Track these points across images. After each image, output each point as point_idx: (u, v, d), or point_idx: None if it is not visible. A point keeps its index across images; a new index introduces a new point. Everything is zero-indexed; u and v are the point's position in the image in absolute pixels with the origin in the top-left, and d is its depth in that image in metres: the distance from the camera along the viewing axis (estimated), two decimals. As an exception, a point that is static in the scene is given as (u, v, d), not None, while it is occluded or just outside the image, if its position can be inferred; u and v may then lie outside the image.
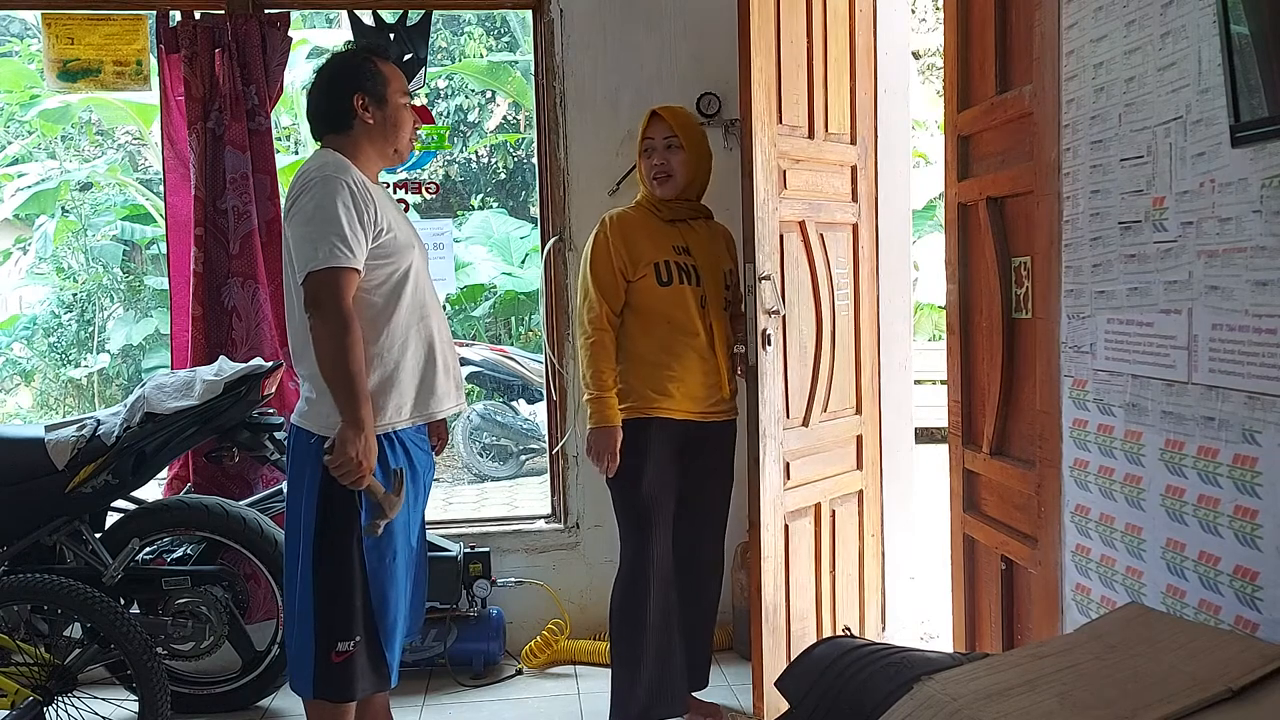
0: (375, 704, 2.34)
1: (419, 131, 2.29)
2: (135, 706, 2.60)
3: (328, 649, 2.12)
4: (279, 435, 2.97)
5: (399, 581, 2.19)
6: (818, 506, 2.94)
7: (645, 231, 2.64)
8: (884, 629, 3.27)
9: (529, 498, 6.29)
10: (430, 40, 3.36)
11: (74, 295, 8.88)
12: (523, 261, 8.89)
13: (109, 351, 8.81)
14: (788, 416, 2.80)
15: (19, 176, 8.56)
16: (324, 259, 2.02)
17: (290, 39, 3.24)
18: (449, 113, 9.46)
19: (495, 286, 8.80)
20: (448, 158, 9.69)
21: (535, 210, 5.07)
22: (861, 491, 3.15)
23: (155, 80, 3.30)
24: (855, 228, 3.10)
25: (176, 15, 3.17)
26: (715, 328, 2.62)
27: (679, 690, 2.71)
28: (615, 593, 2.66)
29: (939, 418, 2.99)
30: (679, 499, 2.67)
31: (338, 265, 2.02)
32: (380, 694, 2.32)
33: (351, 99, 2.18)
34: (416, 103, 3.41)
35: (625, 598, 2.64)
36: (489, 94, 9.62)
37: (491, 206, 9.77)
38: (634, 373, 2.62)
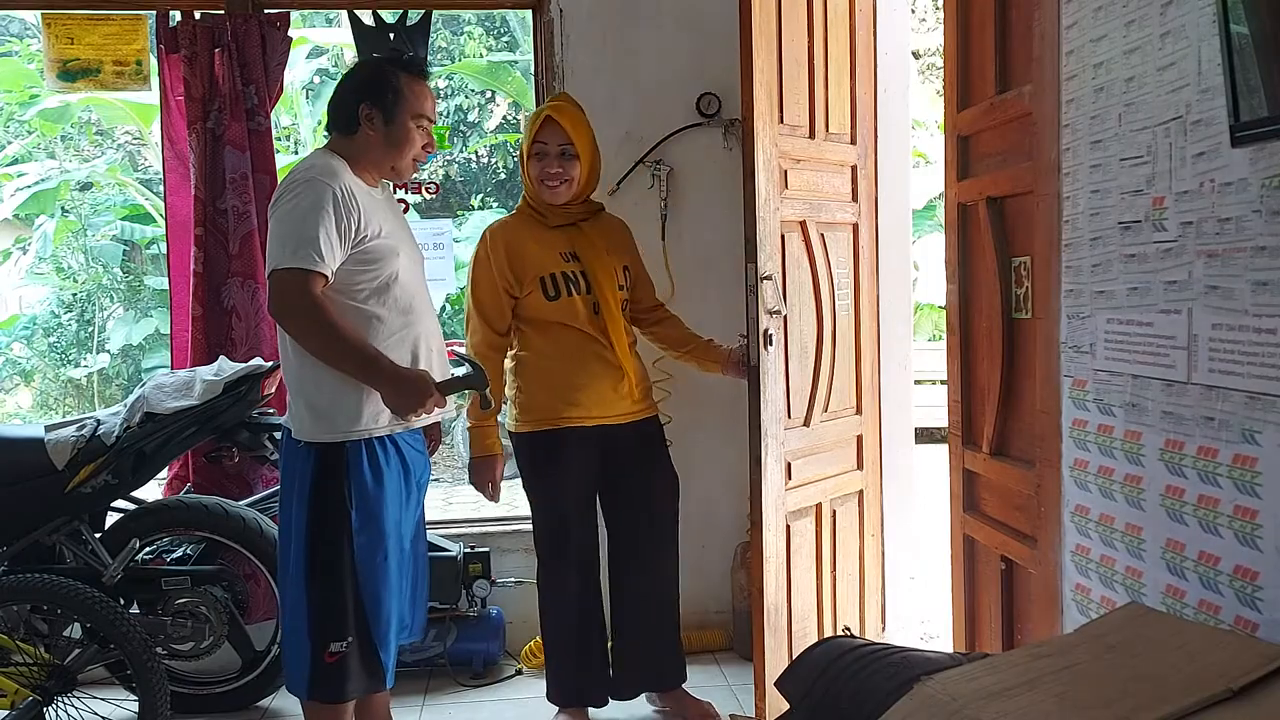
0: (375, 704, 2.34)
1: (426, 157, 2.28)
2: (135, 706, 2.60)
3: (321, 650, 2.14)
4: (279, 435, 2.97)
5: (391, 582, 2.20)
6: (819, 506, 2.94)
7: (530, 242, 2.58)
8: (884, 629, 3.27)
9: (529, 498, 6.27)
10: (430, 40, 3.36)
11: (74, 295, 8.88)
12: (523, 261, 8.87)
13: (109, 351, 8.81)
14: (789, 416, 2.80)
15: (19, 176, 8.56)
16: (289, 259, 2.04)
17: (290, 39, 3.24)
18: (449, 113, 9.45)
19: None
20: (448, 158, 9.68)
21: (535, 210, 5.05)
22: (862, 491, 3.15)
23: (155, 80, 3.30)
24: (855, 228, 3.10)
25: (176, 15, 3.17)
26: (611, 332, 2.58)
27: (603, 683, 2.75)
28: (538, 594, 2.73)
29: (939, 418, 2.99)
30: (611, 504, 2.70)
31: (303, 267, 2.04)
32: (380, 695, 2.32)
33: (357, 106, 2.19)
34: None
35: (544, 598, 2.72)
36: (489, 94, 9.62)
37: (491, 206, 9.76)
38: (539, 384, 2.60)
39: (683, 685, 2.83)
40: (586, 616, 2.69)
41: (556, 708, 2.75)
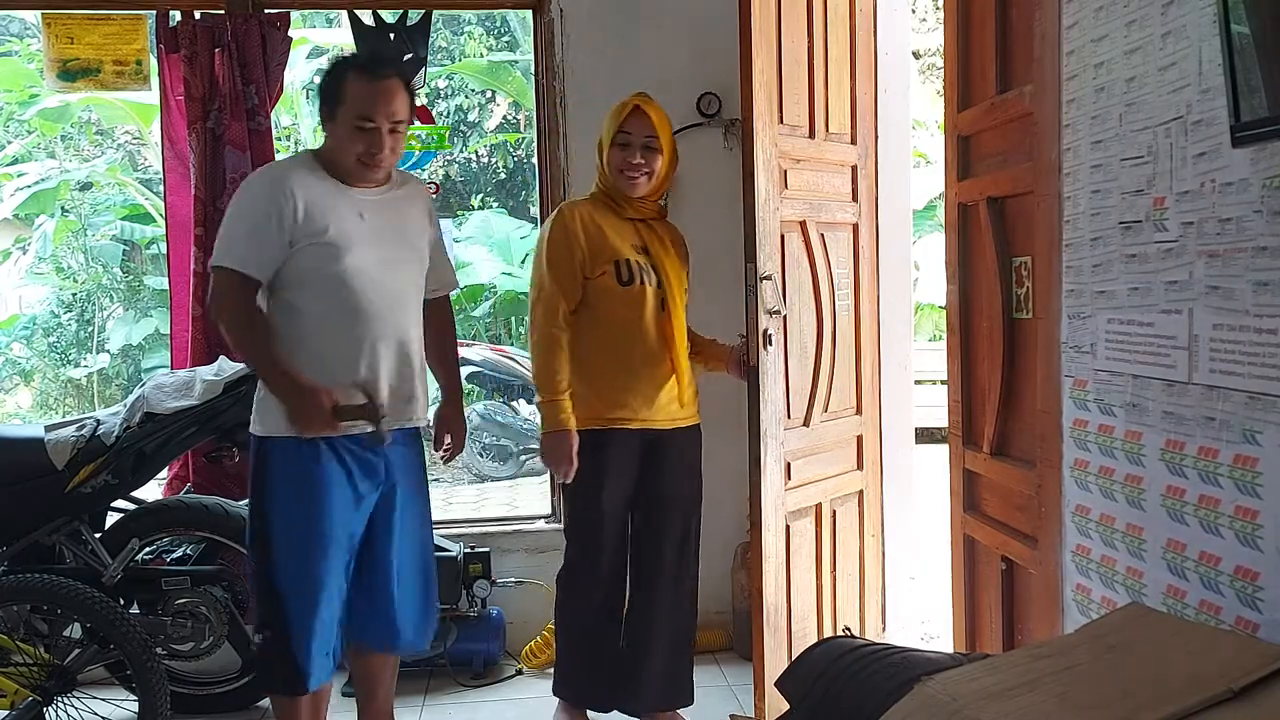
0: (376, 707, 2.35)
1: (373, 159, 2.19)
2: (135, 706, 2.60)
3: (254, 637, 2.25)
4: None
5: (321, 584, 2.20)
6: (818, 507, 2.94)
7: (606, 225, 2.51)
8: (884, 629, 3.27)
9: (529, 498, 6.28)
10: (430, 40, 3.36)
11: (74, 295, 8.88)
12: (523, 261, 8.89)
13: (109, 351, 8.80)
14: (789, 417, 2.79)
15: (19, 176, 8.56)
16: (216, 256, 2.16)
17: (290, 39, 3.24)
18: (449, 113, 9.45)
19: (495, 286, 8.80)
20: (448, 158, 9.67)
21: (535, 210, 5.08)
22: (862, 492, 3.15)
23: (155, 80, 3.30)
24: (855, 228, 3.10)
25: (176, 15, 3.17)
26: (674, 332, 2.52)
27: (613, 688, 2.65)
28: (557, 591, 2.65)
29: (939, 418, 2.99)
30: (642, 508, 2.60)
31: (224, 265, 2.14)
32: (381, 701, 2.36)
33: (319, 107, 2.25)
34: (416, 102, 3.42)
35: (564, 596, 2.63)
36: (489, 94, 9.61)
37: (491, 206, 9.76)
38: (587, 381, 2.50)
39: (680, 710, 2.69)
40: (606, 622, 2.62)
41: (559, 700, 2.71)
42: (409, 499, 2.34)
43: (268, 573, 2.19)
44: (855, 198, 3.09)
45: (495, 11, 8.98)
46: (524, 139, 9.68)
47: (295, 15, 3.57)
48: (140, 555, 2.81)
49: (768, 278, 2.61)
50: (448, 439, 2.46)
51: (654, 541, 2.62)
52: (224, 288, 2.14)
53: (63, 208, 8.68)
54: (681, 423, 2.60)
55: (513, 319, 9.40)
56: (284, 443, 2.17)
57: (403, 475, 2.31)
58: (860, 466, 3.14)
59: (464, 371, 7.70)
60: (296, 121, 8.57)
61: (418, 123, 3.42)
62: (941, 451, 2.74)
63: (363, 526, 2.27)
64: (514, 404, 7.41)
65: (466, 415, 8.62)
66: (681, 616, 2.67)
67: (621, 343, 2.49)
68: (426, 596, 2.38)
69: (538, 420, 2.51)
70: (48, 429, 2.76)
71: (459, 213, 9.59)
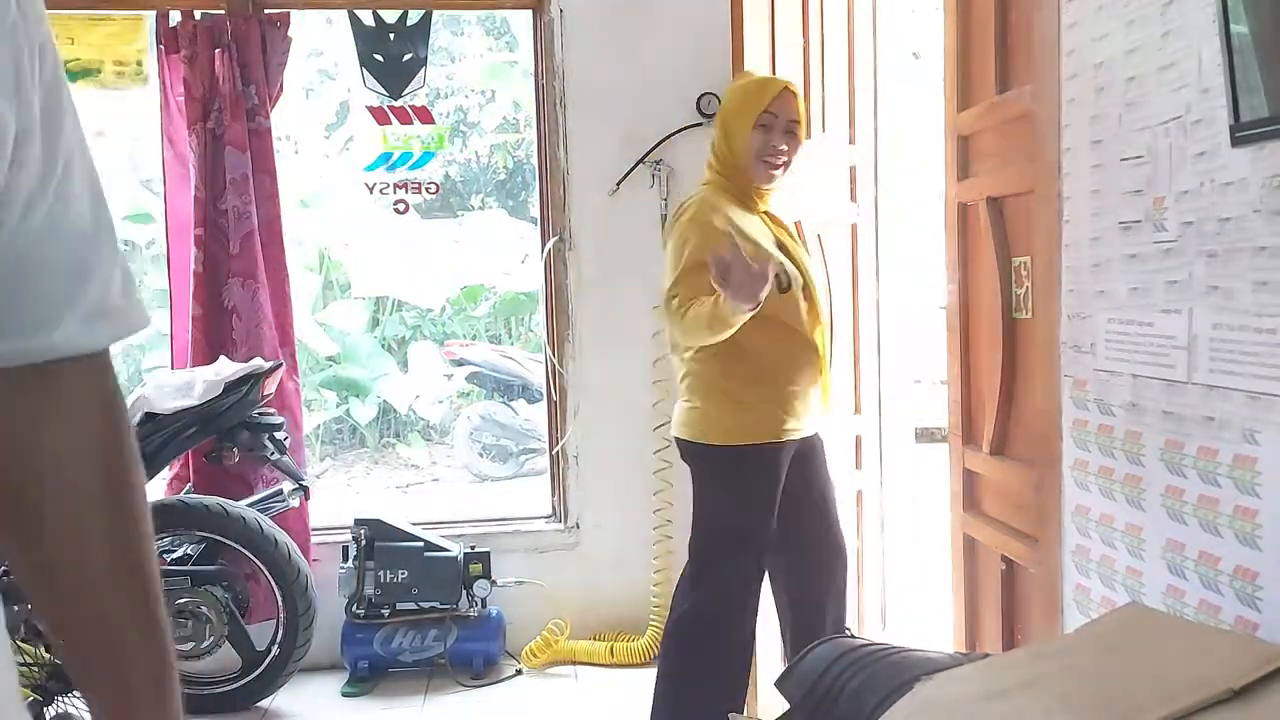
0: None
1: None
2: (135, 706, 2.60)
3: None
4: (279, 435, 2.98)
5: None
6: (817, 506, 2.93)
7: (748, 225, 2.22)
8: (884, 629, 3.27)
9: (529, 498, 6.29)
10: (430, 40, 3.36)
11: (74, 295, 8.85)
12: (523, 261, 8.89)
13: (109, 351, 8.78)
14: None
15: (19, 176, 8.55)
16: None
17: (290, 39, 3.24)
18: (449, 113, 9.45)
19: (495, 286, 8.80)
20: (448, 158, 9.67)
21: (535, 210, 5.08)
22: (860, 492, 3.15)
23: (155, 80, 3.30)
24: (855, 228, 3.10)
25: (176, 15, 3.17)
26: (820, 335, 2.29)
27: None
28: (692, 618, 2.27)
29: (939, 418, 2.99)
30: (784, 514, 2.33)
31: None
32: None
33: None
34: (416, 103, 3.43)
35: (712, 632, 2.27)
36: (489, 94, 9.62)
37: (491, 206, 9.76)
38: (756, 390, 2.22)
39: None
40: (748, 652, 2.36)
41: None
42: None
43: None
44: (854, 198, 3.09)
45: (495, 11, 8.98)
46: (524, 139, 9.68)
47: (295, 15, 3.56)
48: (140, 555, 2.80)
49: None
50: None
51: (805, 541, 2.40)
52: None
53: (63, 208, 8.67)
54: (812, 429, 2.38)
55: (512, 319, 9.41)
56: None
57: None
58: (859, 466, 3.14)
59: (464, 372, 7.74)
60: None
61: (417, 122, 3.44)
62: (941, 451, 2.74)
63: None
64: (513, 404, 7.41)
65: (467, 415, 8.43)
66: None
67: (784, 349, 2.23)
68: None
69: (722, 311, 1.97)
70: (48, 429, 2.76)
71: (459, 213, 9.60)
